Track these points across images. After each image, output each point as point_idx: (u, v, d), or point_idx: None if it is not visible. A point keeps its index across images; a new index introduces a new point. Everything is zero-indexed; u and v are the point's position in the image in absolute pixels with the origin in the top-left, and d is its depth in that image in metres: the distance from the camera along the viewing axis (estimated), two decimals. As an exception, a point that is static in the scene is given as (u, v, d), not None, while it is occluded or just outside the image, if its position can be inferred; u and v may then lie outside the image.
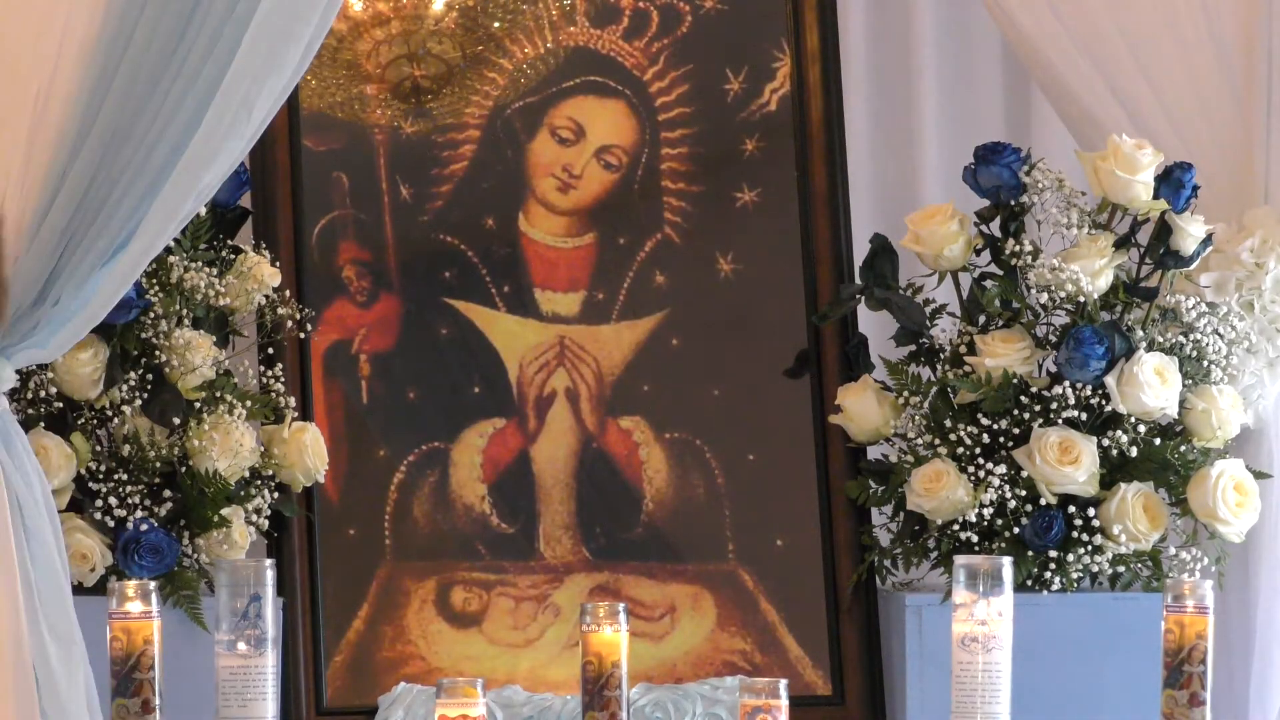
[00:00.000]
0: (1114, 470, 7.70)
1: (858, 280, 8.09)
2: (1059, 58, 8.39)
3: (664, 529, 7.86)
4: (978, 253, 7.92)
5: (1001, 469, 7.63)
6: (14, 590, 6.31)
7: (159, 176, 6.53)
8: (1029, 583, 7.65)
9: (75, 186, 6.47)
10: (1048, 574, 7.67)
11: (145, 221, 6.47)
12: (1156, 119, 8.20)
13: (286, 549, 7.63)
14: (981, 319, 7.83)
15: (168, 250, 6.99)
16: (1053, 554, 7.66)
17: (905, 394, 7.87)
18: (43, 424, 7.02)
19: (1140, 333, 7.82)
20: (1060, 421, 7.70)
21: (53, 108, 6.49)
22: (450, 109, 8.17)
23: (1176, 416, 7.72)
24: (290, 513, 7.62)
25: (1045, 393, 7.73)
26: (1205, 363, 7.77)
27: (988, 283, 7.86)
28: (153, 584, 6.76)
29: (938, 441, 7.77)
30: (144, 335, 7.30)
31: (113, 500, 7.22)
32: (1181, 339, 7.82)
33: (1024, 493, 7.63)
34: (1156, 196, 7.67)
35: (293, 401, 7.58)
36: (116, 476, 7.27)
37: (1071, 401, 7.67)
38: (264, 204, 7.90)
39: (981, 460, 7.67)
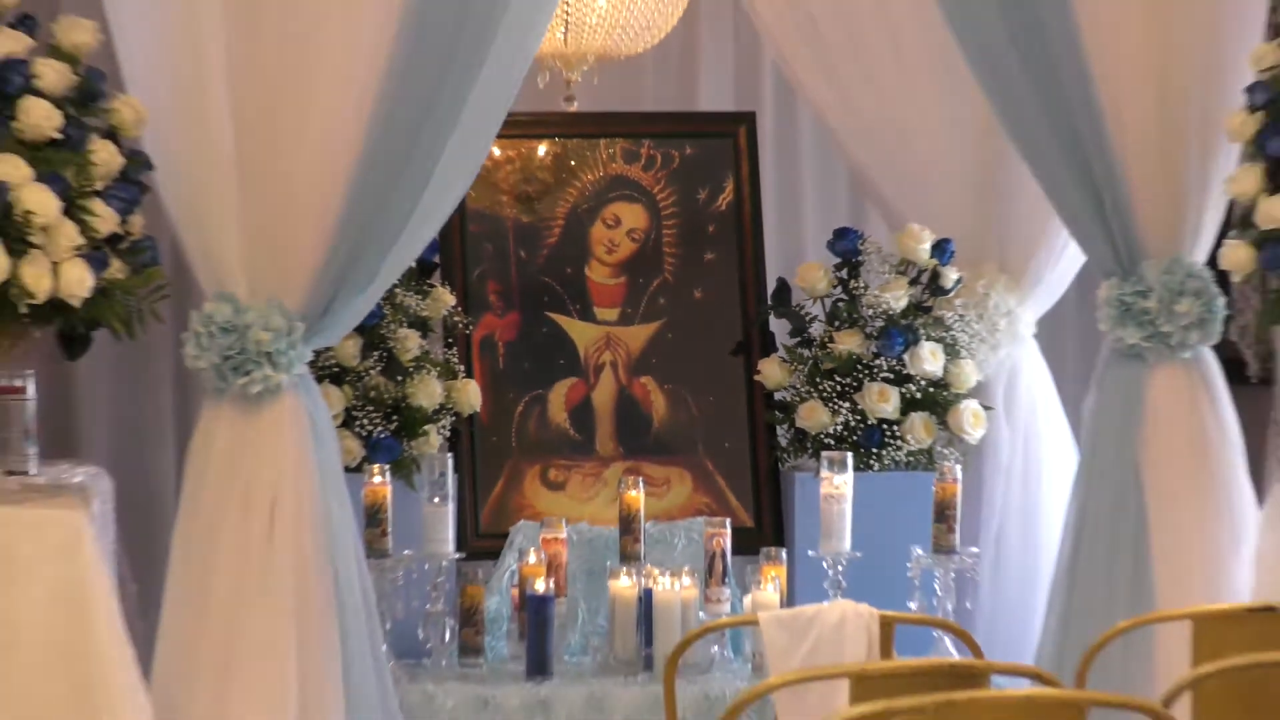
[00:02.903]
0: (908, 405, 8.54)
1: (770, 302, 8.90)
2: (884, 187, 8.97)
3: (664, 438, 8.79)
4: (834, 288, 8.69)
5: (847, 405, 8.52)
6: (313, 473, 6.94)
7: (395, 240, 7.14)
8: (861, 466, 8.42)
9: (348, 243, 7.00)
10: (872, 461, 8.55)
11: (385, 268, 7.18)
12: (933, 211, 8.76)
13: (459, 447, 8.57)
14: (836, 323, 8.64)
15: (394, 284, 7.89)
16: (874, 451, 8.54)
17: (795, 364, 8.71)
18: (327, 379, 8.02)
19: (922, 331, 8.56)
20: (879, 379, 8.54)
21: (339, 185, 6.90)
22: (547, 208, 8.84)
23: (941, 375, 8.51)
24: (460, 428, 8.62)
25: (871, 364, 8.54)
26: (957, 347, 8.56)
27: (840, 304, 8.67)
28: (387, 467, 8.07)
29: (812, 390, 8.59)
30: (381, 331, 8.29)
31: (365, 421, 8.25)
32: (944, 334, 8.60)
33: (859, 418, 8.51)
34: (931, 257, 8.58)
35: (462, 369, 8.56)
36: (367, 409, 8.27)
37: (885, 369, 8.55)
38: (446, 259, 8.69)
39: (836, 401, 8.53)
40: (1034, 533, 8.69)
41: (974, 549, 8.44)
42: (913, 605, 7.81)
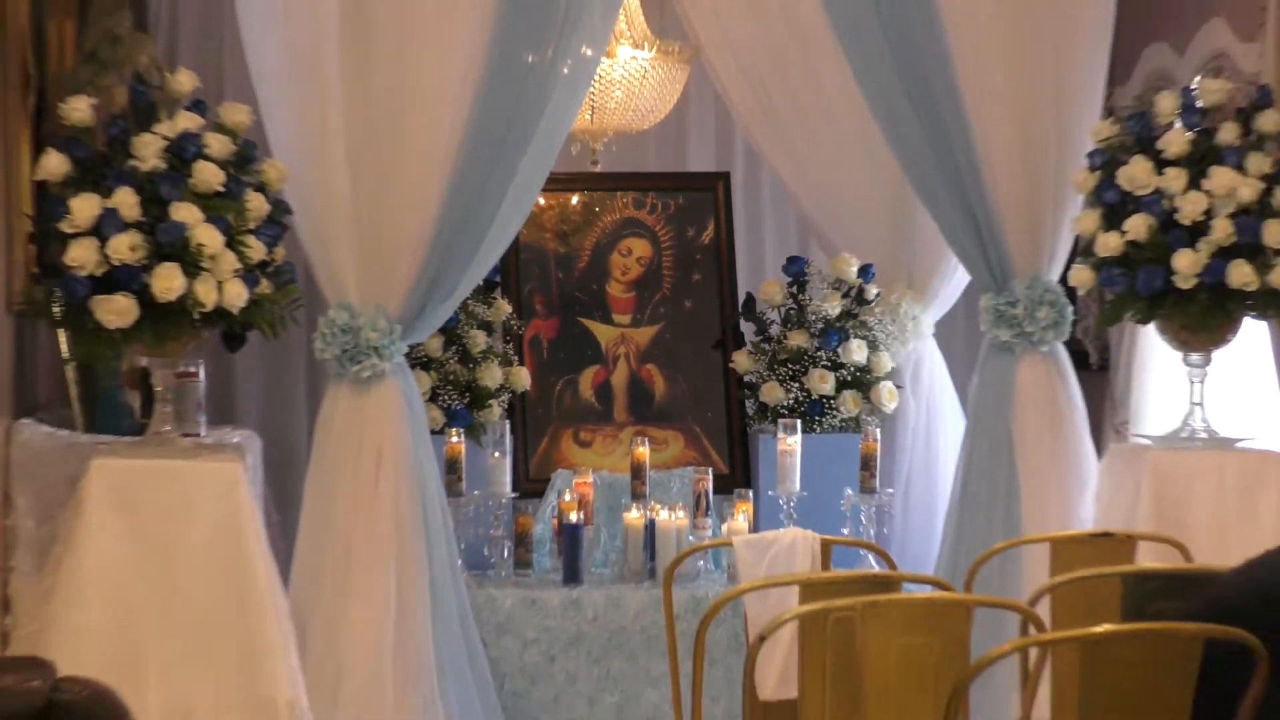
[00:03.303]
0: (841, 385, 8.36)
1: (740, 311, 8.74)
2: (822, 225, 8.91)
3: (663, 409, 8.68)
4: (787, 299, 8.55)
5: (797, 385, 8.35)
6: (407, 435, 7.00)
7: (468, 264, 7.15)
8: (807, 429, 8.18)
9: (434, 266, 7.03)
10: (815, 426, 8.32)
11: (461, 285, 7.19)
12: (858, 243, 8.58)
13: (514, 416, 8.39)
14: (789, 326, 8.48)
15: (467, 297, 7.69)
16: (817, 419, 8.35)
17: (758, 355, 8.52)
18: (418, 366, 7.75)
19: (851, 331, 8.40)
20: (820, 366, 8.37)
21: (427, 224, 6.92)
22: (578, 242, 8.76)
23: (865, 364, 8.36)
24: (515, 402, 8.44)
25: (814, 355, 8.38)
26: (876, 343, 8.43)
27: (791, 311, 8.53)
28: (461, 430, 7.96)
29: (771, 374, 8.45)
30: (458, 331, 8.12)
31: (445, 397, 8.06)
32: (867, 333, 8.44)
33: (805, 394, 8.33)
34: (858, 277, 8.43)
35: (516, 359, 8.39)
36: (446, 388, 8.07)
37: (824, 359, 8.38)
38: (504, 278, 8.47)
39: (789, 382, 8.35)
40: (933, 478, 8.61)
41: (890, 490, 8.40)
42: (845, 531, 7.81)
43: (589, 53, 7.07)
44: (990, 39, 7.00)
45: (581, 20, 6.92)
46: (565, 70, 6.97)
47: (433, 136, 6.89)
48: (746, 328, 8.84)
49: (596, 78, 7.65)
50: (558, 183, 8.51)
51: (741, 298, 8.91)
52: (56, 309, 6.34)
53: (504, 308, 8.44)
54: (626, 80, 8.24)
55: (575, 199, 8.91)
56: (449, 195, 6.97)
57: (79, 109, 6.26)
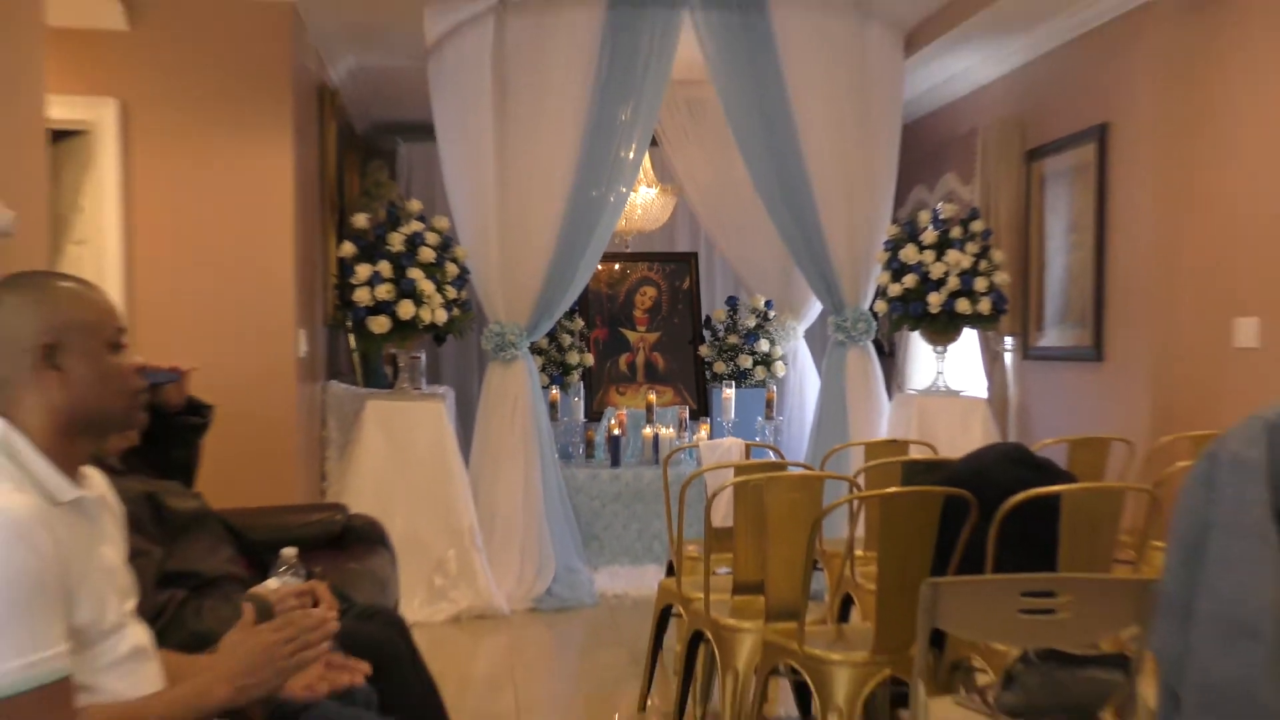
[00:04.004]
0: (756, 363, 8.20)
1: (704, 324, 8.48)
2: (746, 278, 8.47)
3: (662, 375, 8.41)
4: (727, 319, 8.36)
5: (733, 364, 8.26)
6: (530, 389, 6.71)
7: (562, 298, 6.79)
8: (738, 386, 8.00)
9: (544, 300, 6.69)
10: (741, 384, 8.10)
11: (557, 308, 6.82)
12: (766, 287, 8.33)
13: (586, 378, 8.19)
14: (728, 333, 8.32)
15: (561, 315, 7.18)
16: (743, 380, 8.17)
17: (713, 348, 8.34)
18: (535, 353, 7.34)
19: (761, 335, 8.25)
20: (745, 353, 8.28)
21: (539, 276, 6.62)
22: (618, 288, 8.54)
23: (768, 352, 8.30)
24: (587, 372, 8.25)
25: (741, 348, 8.27)
26: (774, 341, 8.33)
27: (729, 324, 8.32)
28: (558, 386, 7.92)
29: (718, 357, 8.33)
30: (554, 334, 7.94)
31: (549, 369, 7.94)
32: (769, 336, 8.30)
33: (737, 367, 8.23)
34: (765, 306, 8.28)
35: (586, 348, 8.19)
36: (549, 364, 7.96)
37: (748, 350, 8.27)
38: (580, 306, 8.14)
39: (730, 362, 8.25)
40: (804, 411, 8.24)
41: (780, 417, 8.15)
42: (757, 438, 7.57)
43: (624, 190, 6.85)
44: (834, 170, 6.69)
45: (621, 173, 6.73)
46: (612, 199, 6.75)
47: (542, 233, 6.63)
48: (706, 334, 8.57)
49: (628, 202, 7.39)
50: (608, 257, 8.23)
51: (703, 318, 8.69)
52: (348, 323, 6.36)
53: (579, 322, 8.28)
54: (643, 204, 8.03)
55: (617, 265, 8.67)
56: (551, 264, 6.65)
57: (359, 220, 6.37)
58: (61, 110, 5.18)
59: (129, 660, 1.96)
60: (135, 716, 1.87)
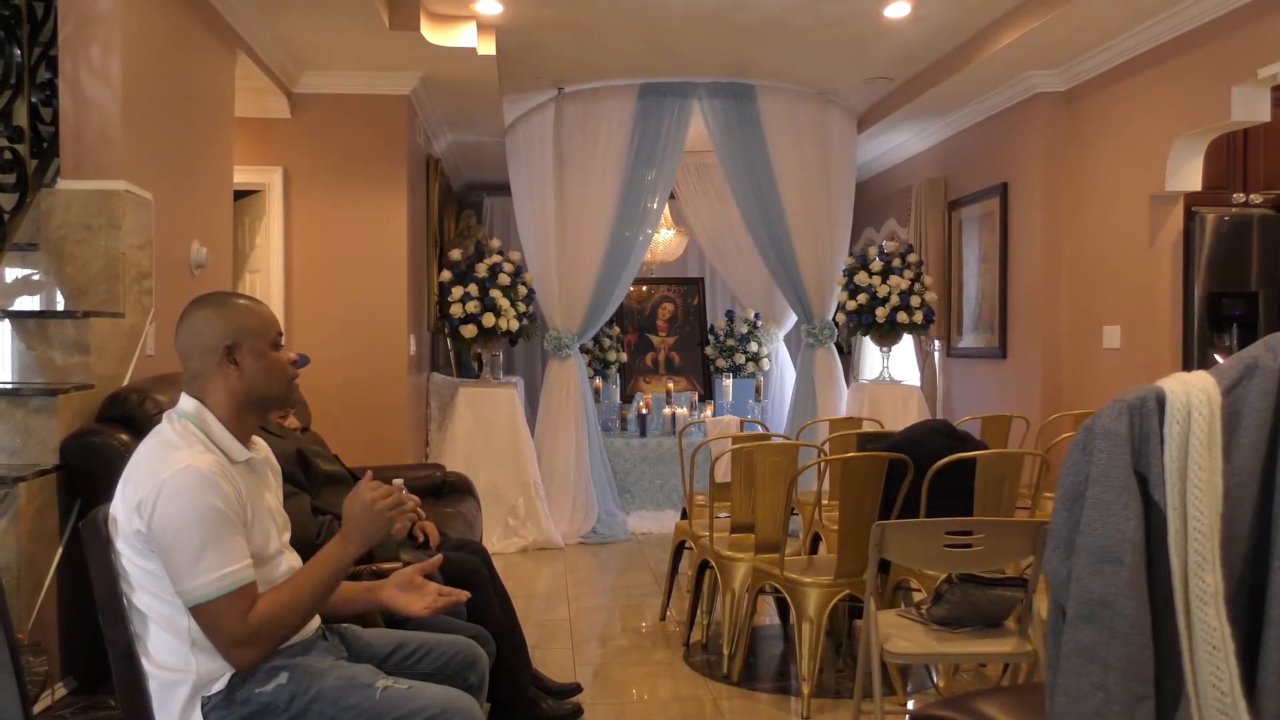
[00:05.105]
0: (747, 360, 8.06)
1: (710, 331, 8.35)
2: (741, 296, 8.23)
3: (679, 369, 8.23)
4: (726, 327, 8.23)
5: (729, 360, 8.11)
6: (579, 380, 6.57)
7: (604, 310, 6.64)
8: (734, 377, 8.06)
9: (591, 311, 6.60)
10: (738, 375, 8.08)
11: (600, 318, 6.68)
12: (755, 302, 8.15)
13: (621, 371, 8.09)
14: (727, 338, 8.20)
15: (603, 324, 7.13)
16: (737, 374, 8.12)
17: (715, 349, 8.20)
18: (584, 351, 7.24)
19: (751, 339, 8.18)
20: (740, 353, 8.18)
21: (587, 293, 6.51)
22: (645, 305, 8.37)
23: (758, 351, 8.16)
24: (622, 366, 8.14)
25: (737, 348, 8.14)
26: (761, 344, 8.20)
27: (728, 330, 8.20)
28: (599, 376, 7.79)
29: (720, 355, 8.17)
30: (598, 338, 7.90)
31: (592, 364, 7.87)
32: (757, 339, 8.17)
33: (733, 363, 8.10)
34: (755, 318, 8.16)
35: (621, 349, 8.08)
36: (593, 361, 7.90)
37: (741, 350, 8.15)
38: (618, 317, 8.08)
39: (729, 359, 8.13)
40: (783, 396, 8.11)
41: (766, 399, 8.09)
42: (749, 415, 7.55)
43: (650, 231, 6.78)
44: (804, 216, 6.63)
45: (648, 219, 6.66)
46: (640, 238, 6.69)
47: (589, 263, 6.58)
48: (711, 338, 8.44)
49: (653, 240, 7.28)
50: (638, 281, 8.20)
51: (708, 326, 8.60)
52: (445, 330, 6.28)
53: (616, 329, 8.20)
54: (664, 241, 7.94)
55: (644, 287, 8.56)
56: (595, 286, 6.60)
57: (454, 254, 6.30)
58: (243, 176, 5.37)
59: (287, 576, 1.98)
60: (294, 589, 1.89)
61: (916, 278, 6.43)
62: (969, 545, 2.69)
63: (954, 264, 6.80)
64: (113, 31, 3.33)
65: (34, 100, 3.30)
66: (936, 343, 6.97)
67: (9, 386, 3.03)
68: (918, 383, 6.98)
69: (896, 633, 2.80)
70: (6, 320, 3.16)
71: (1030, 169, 5.83)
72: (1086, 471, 1.17)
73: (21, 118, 3.26)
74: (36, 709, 2.63)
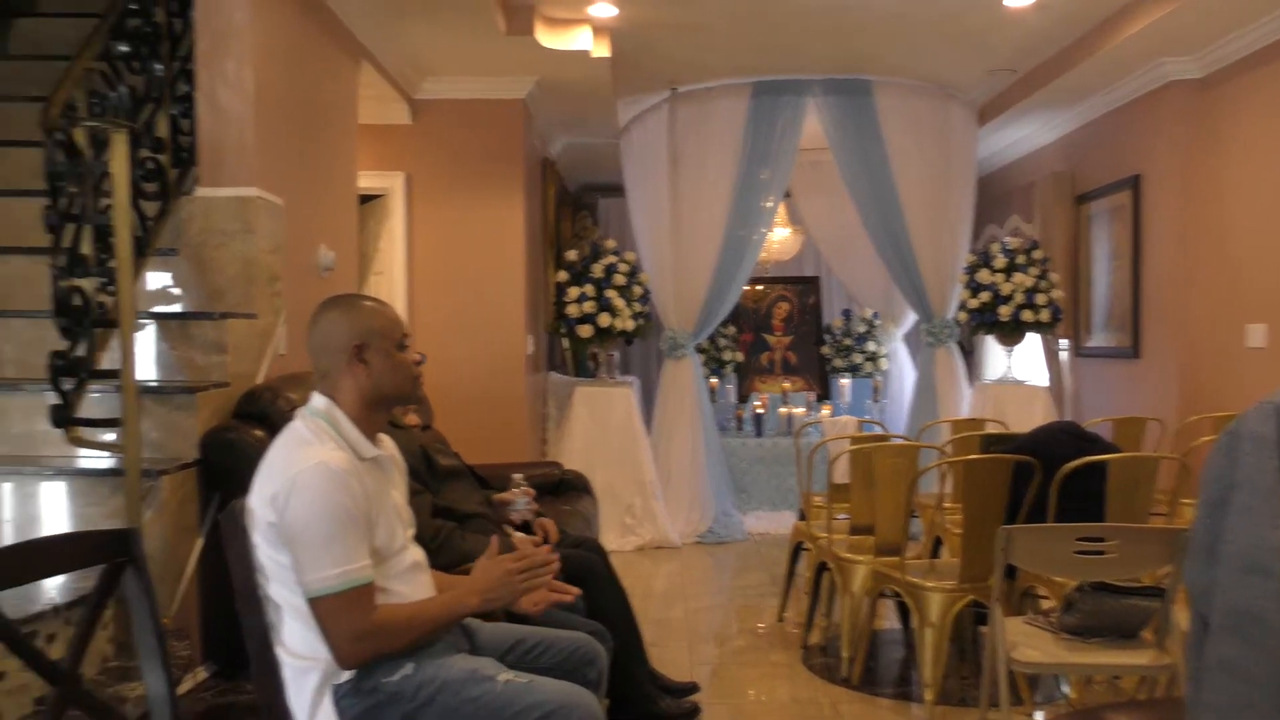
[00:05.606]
0: (864, 360, 8.02)
1: (825, 330, 8.40)
2: (858, 294, 8.16)
3: (795, 369, 8.21)
4: (843, 325, 8.23)
5: (848, 359, 8.07)
6: (697, 378, 6.60)
7: (719, 308, 6.65)
8: (855, 376, 7.96)
9: (706, 310, 6.58)
10: (854, 375, 7.99)
11: (716, 319, 6.69)
12: (873, 300, 8.12)
13: (737, 371, 8.08)
14: (844, 336, 8.16)
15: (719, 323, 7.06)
16: (855, 371, 8.04)
17: (832, 348, 8.17)
18: (699, 351, 7.01)
19: (868, 338, 8.13)
20: (858, 352, 8.13)
21: (702, 290, 6.53)
22: (761, 304, 8.33)
23: (876, 350, 8.11)
24: (738, 366, 8.14)
25: (854, 347, 8.03)
26: (879, 343, 8.14)
27: (844, 327, 8.16)
28: (715, 377, 7.77)
29: (837, 355, 8.11)
30: (713, 337, 7.91)
31: (709, 364, 7.86)
32: (875, 338, 8.10)
33: (851, 362, 8.04)
34: (873, 317, 8.09)
35: (737, 349, 8.07)
36: (710, 360, 7.91)
37: (858, 349, 8.05)
38: (734, 317, 7.98)
39: (845, 358, 8.10)
40: (902, 396, 7.92)
41: (885, 400, 7.99)
42: (867, 416, 7.43)
43: (764, 230, 6.76)
44: (923, 213, 6.52)
45: (762, 218, 6.64)
46: (755, 238, 6.66)
47: (704, 263, 6.57)
48: (827, 337, 8.38)
49: (767, 239, 7.20)
50: (752, 280, 8.12)
51: (824, 325, 8.54)
52: (562, 330, 6.32)
53: (732, 329, 8.19)
54: (779, 240, 7.88)
55: (759, 286, 8.50)
56: (710, 286, 6.59)
57: (570, 255, 6.38)
58: (366, 181, 5.43)
59: (410, 571, 2.03)
60: (415, 613, 1.93)
61: (1042, 275, 6.26)
62: (1100, 552, 2.61)
63: (1081, 260, 6.60)
64: (245, 45, 3.46)
65: (173, 113, 3.44)
66: (1063, 342, 6.76)
67: (153, 384, 3.17)
68: (1044, 383, 6.75)
69: (1024, 641, 2.73)
70: (151, 321, 3.30)
71: (1164, 160, 5.64)
72: (1231, 477, 1.13)
73: (163, 129, 3.40)
74: (180, 690, 2.72)
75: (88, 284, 2.91)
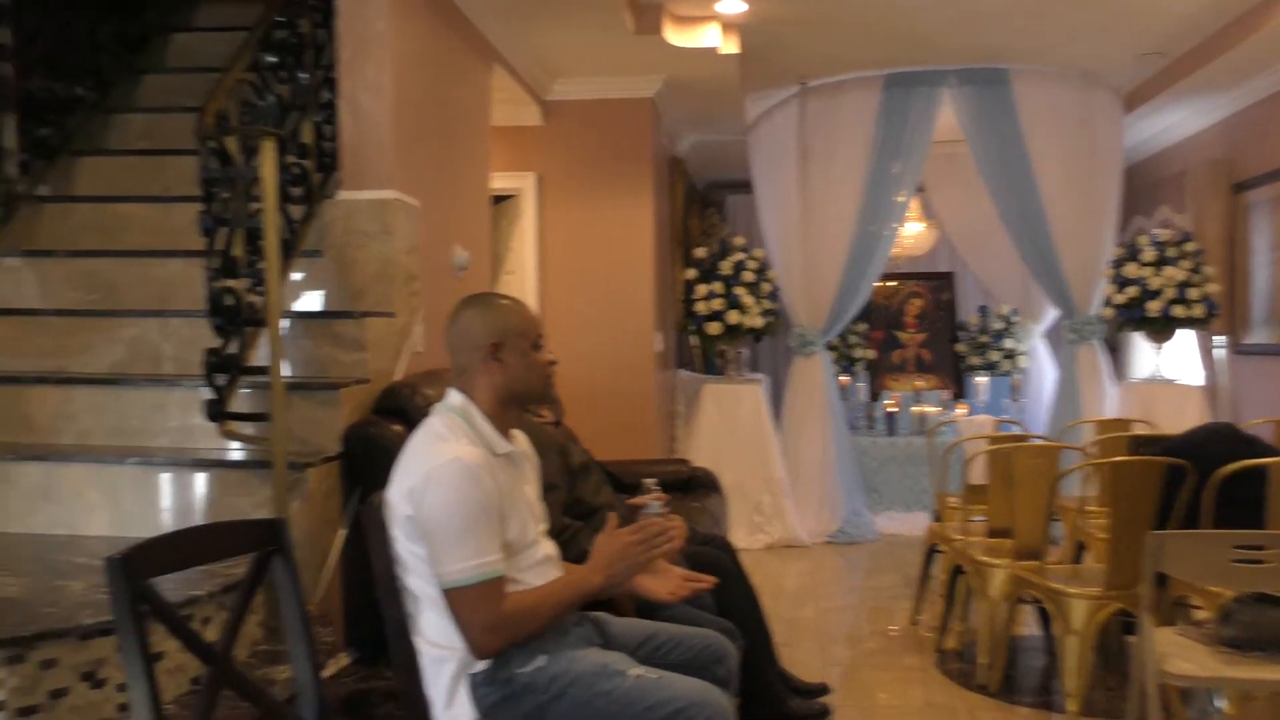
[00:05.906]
0: (1002, 357, 7.83)
1: (958, 327, 8.32)
2: (994, 289, 7.97)
3: (928, 366, 8.10)
4: (978, 323, 8.05)
5: (983, 356, 7.90)
6: (827, 377, 6.52)
7: (850, 306, 6.53)
8: (988, 374, 7.82)
9: (836, 307, 6.53)
10: (991, 372, 7.84)
11: (847, 316, 6.59)
12: (1009, 296, 7.97)
13: (868, 369, 7.98)
14: (982, 333, 7.99)
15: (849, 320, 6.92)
16: (992, 370, 7.89)
17: (967, 345, 8.00)
18: (830, 349, 6.73)
19: (1006, 335, 7.91)
20: (993, 349, 7.95)
21: (832, 288, 6.43)
22: (893, 301, 8.25)
23: (1013, 348, 7.90)
24: (869, 364, 8.07)
25: (990, 344, 7.90)
26: (1018, 341, 7.90)
27: (982, 323, 7.99)
28: (848, 373, 7.74)
29: (972, 352, 7.93)
30: (844, 335, 7.80)
31: (838, 361, 7.73)
32: (1013, 335, 7.89)
33: (987, 359, 7.85)
34: (1009, 314, 7.89)
35: (868, 346, 8.03)
36: (840, 359, 7.78)
37: (994, 346, 7.88)
38: (865, 314, 7.65)
39: (980, 355, 7.90)
40: (1041, 395, 7.61)
41: (1023, 399, 7.74)
42: (1005, 415, 7.23)
43: (896, 225, 6.66)
44: (1065, 205, 6.32)
45: (894, 213, 6.54)
46: (886, 233, 6.56)
47: (834, 259, 6.50)
48: (961, 334, 8.24)
49: (899, 234, 7.06)
50: (884, 276, 7.90)
51: (959, 322, 8.40)
52: (691, 327, 6.38)
53: (863, 325, 8.09)
54: (912, 235, 7.75)
55: (891, 282, 8.39)
56: (840, 283, 6.52)
57: (699, 252, 6.41)
58: (499, 182, 5.51)
59: (541, 564, 2.06)
60: (541, 597, 1.96)
61: (1195, 268, 6.00)
62: (1260, 561, 2.48)
63: (1239, 253, 6.30)
64: (385, 52, 3.56)
65: (317, 119, 3.58)
66: (1219, 339, 6.46)
67: (299, 380, 3.29)
68: (1198, 382, 6.47)
69: (1176, 652, 2.63)
70: (297, 320, 3.44)
71: (1332, 145, 5.29)
72: None
73: (308, 136, 3.54)
74: (324, 675, 2.78)
75: (239, 285, 3.05)
